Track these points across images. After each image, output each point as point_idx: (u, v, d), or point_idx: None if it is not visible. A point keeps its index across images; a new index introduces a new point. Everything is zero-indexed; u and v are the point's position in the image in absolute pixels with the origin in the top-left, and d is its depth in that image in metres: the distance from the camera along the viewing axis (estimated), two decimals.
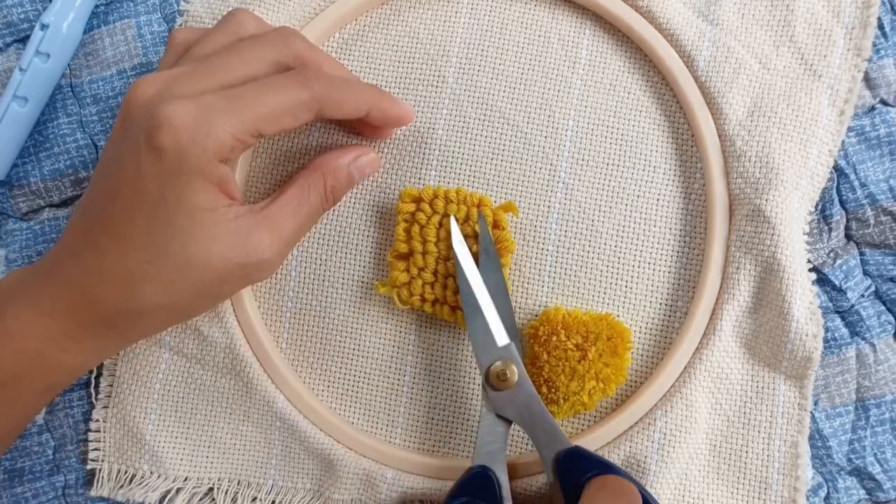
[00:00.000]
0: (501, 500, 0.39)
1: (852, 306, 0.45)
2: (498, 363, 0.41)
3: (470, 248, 0.43)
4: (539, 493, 0.43)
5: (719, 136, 0.44)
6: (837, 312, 0.45)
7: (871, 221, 0.46)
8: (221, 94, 0.36)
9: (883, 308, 0.45)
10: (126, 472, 0.46)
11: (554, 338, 0.43)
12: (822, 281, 0.45)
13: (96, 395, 0.46)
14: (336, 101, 0.39)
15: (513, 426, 0.41)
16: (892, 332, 0.45)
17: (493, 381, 0.41)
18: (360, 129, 0.45)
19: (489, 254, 0.43)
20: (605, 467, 0.38)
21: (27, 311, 0.37)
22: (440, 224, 0.43)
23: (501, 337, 0.41)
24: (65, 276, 0.37)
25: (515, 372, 0.40)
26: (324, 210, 0.43)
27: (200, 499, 0.46)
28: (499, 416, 0.41)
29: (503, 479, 0.40)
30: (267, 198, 0.41)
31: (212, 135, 0.35)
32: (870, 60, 0.45)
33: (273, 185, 0.46)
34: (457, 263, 0.42)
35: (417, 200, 0.44)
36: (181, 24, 0.48)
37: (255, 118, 0.36)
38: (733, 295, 0.43)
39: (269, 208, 0.39)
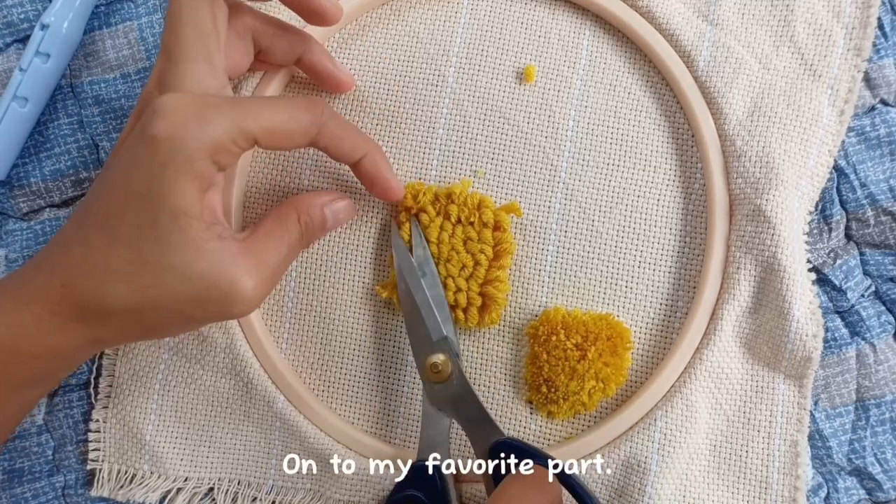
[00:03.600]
0: (444, 491, 0.40)
1: (852, 306, 0.45)
2: (433, 356, 0.42)
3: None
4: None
5: (719, 135, 0.44)
6: (837, 312, 0.45)
7: (871, 221, 0.46)
8: (227, 97, 0.36)
9: (883, 308, 0.45)
10: (126, 473, 0.46)
11: (553, 337, 0.43)
12: (822, 281, 0.45)
13: (96, 395, 0.46)
14: (335, 135, 0.39)
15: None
16: (892, 332, 0.45)
17: (429, 375, 0.42)
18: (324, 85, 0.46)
19: (427, 256, 0.43)
20: (536, 457, 0.38)
21: (9, 300, 0.36)
22: (441, 227, 0.44)
23: (436, 331, 0.42)
24: (50, 267, 0.37)
25: (449, 364, 0.41)
26: (300, 248, 0.42)
27: (201, 499, 0.46)
28: (439, 410, 0.42)
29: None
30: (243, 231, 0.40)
31: (209, 130, 0.35)
32: (870, 60, 0.45)
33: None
34: (395, 263, 0.43)
35: (417, 198, 0.44)
36: None
37: (254, 127, 0.36)
38: (733, 295, 0.43)
39: (252, 240, 0.39)
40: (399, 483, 0.40)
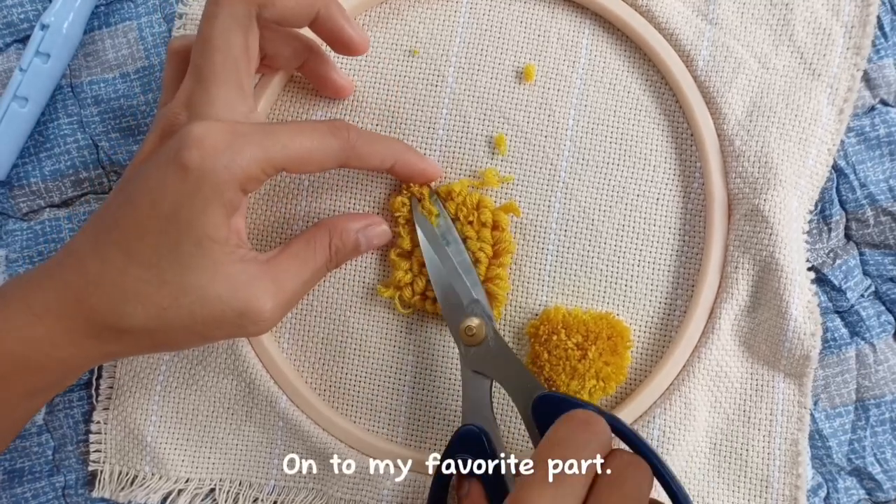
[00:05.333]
0: (493, 452, 0.40)
1: (852, 306, 0.45)
2: (466, 320, 0.42)
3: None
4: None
5: (718, 135, 0.44)
6: (837, 312, 0.45)
7: (871, 222, 0.46)
8: (256, 125, 0.37)
9: (883, 308, 0.46)
10: (128, 474, 0.46)
11: (554, 337, 0.43)
12: (822, 281, 0.45)
13: (97, 396, 0.46)
14: (363, 155, 0.40)
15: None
16: (892, 332, 0.45)
17: (464, 338, 0.42)
18: (316, 83, 0.46)
19: (448, 225, 0.44)
20: (579, 407, 0.38)
21: (18, 311, 0.36)
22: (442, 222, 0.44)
23: (466, 295, 0.42)
24: (63, 280, 0.37)
25: (483, 326, 0.42)
26: (327, 271, 0.42)
27: (202, 500, 0.46)
28: (477, 373, 0.42)
29: (492, 433, 0.41)
30: (271, 250, 0.40)
31: (239, 161, 0.35)
32: (870, 60, 0.45)
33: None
34: (419, 237, 0.43)
35: (420, 199, 0.44)
36: (180, 28, 0.48)
37: (283, 157, 0.37)
38: (731, 294, 0.43)
39: (274, 261, 0.39)
40: (448, 446, 0.41)
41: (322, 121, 0.39)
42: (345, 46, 0.42)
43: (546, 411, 0.39)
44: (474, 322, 0.42)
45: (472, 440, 0.40)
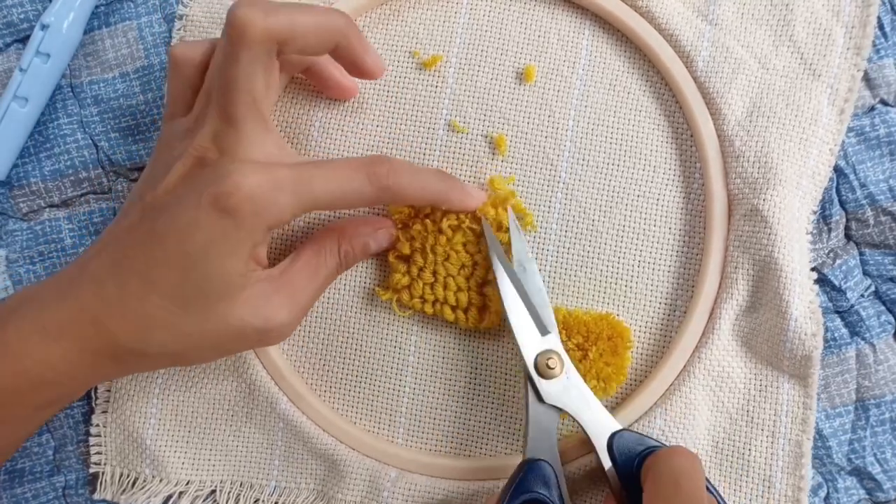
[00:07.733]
0: (560, 488, 0.40)
1: (852, 306, 0.45)
2: (545, 353, 0.41)
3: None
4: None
5: (718, 136, 0.44)
6: (837, 312, 0.45)
7: (871, 221, 0.46)
8: (291, 170, 0.36)
9: (883, 308, 0.46)
10: (128, 477, 0.46)
11: None
12: (822, 281, 0.45)
13: (95, 399, 0.46)
14: (399, 196, 0.39)
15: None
16: (892, 332, 0.45)
17: (542, 371, 0.41)
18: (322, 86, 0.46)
19: (522, 247, 0.43)
20: (656, 445, 0.39)
21: (32, 331, 0.36)
22: (439, 227, 0.44)
23: (542, 328, 0.42)
24: (79, 302, 0.37)
25: (563, 360, 0.41)
26: (337, 274, 0.43)
27: (203, 501, 0.46)
28: (546, 406, 0.41)
29: (557, 468, 0.40)
30: (281, 262, 0.41)
31: (272, 210, 0.36)
32: (870, 60, 0.45)
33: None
34: (493, 265, 0.42)
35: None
36: (180, 30, 0.48)
37: (315, 203, 0.37)
38: (732, 294, 0.43)
39: (288, 273, 0.40)
40: (514, 482, 0.39)
41: (361, 162, 0.38)
42: (361, 73, 0.42)
43: (624, 447, 0.39)
44: (553, 354, 0.41)
45: (542, 475, 0.40)
